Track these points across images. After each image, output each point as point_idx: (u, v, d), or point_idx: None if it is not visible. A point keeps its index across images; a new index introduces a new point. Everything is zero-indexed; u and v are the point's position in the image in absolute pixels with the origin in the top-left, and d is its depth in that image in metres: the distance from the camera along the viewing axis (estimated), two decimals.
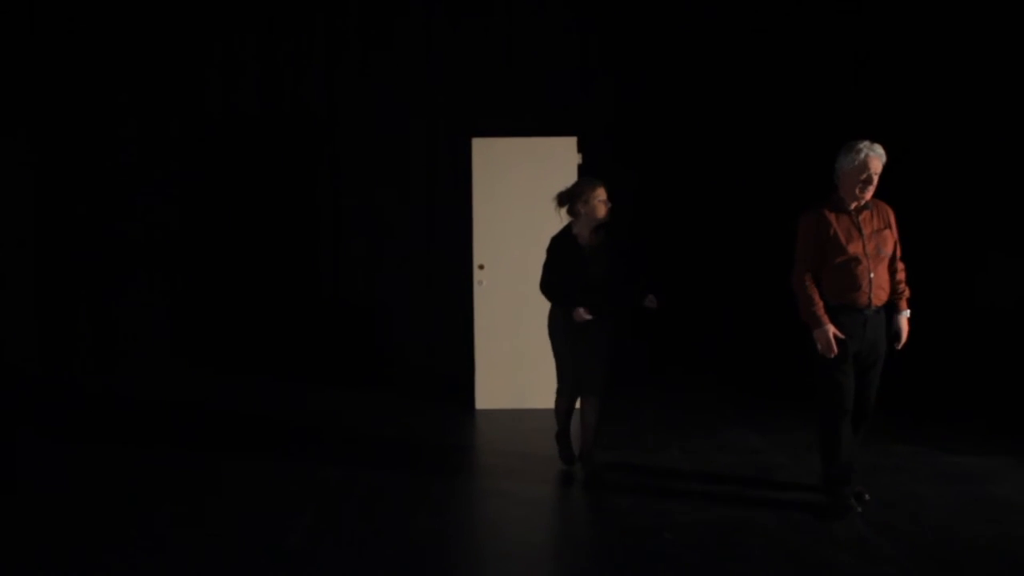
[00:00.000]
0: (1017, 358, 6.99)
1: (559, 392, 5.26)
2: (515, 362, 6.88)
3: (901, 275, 4.61)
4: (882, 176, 4.47)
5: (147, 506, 4.70)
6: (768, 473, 5.20)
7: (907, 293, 4.62)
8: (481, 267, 6.91)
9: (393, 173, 8.25)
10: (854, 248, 4.40)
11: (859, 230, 4.43)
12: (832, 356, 4.37)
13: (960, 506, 4.58)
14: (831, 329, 4.38)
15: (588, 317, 4.91)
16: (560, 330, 5.09)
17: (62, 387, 7.74)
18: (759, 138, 7.98)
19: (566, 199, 5.13)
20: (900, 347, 4.61)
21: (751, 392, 7.33)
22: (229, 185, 8.35)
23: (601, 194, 5.03)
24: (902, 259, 4.61)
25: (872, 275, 4.40)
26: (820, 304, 4.42)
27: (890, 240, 4.50)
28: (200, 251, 8.41)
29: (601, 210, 5.03)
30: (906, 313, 4.60)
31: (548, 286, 5.12)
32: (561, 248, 5.10)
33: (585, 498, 4.87)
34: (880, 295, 4.45)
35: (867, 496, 4.63)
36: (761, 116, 7.99)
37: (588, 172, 6.73)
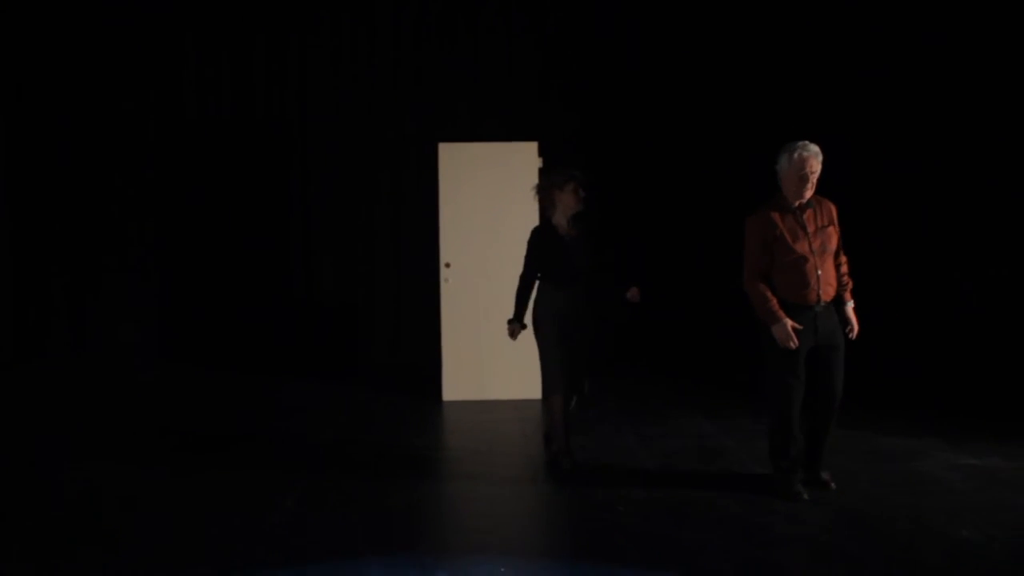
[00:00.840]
0: (953, 347, 7.50)
1: (551, 389, 5.20)
2: (480, 356, 7.22)
3: (845, 268, 4.79)
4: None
5: (127, 491, 4.99)
6: (716, 455, 5.60)
7: (851, 284, 4.82)
8: (447, 265, 7.25)
9: (364, 176, 8.61)
10: (800, 247, 4.57)
11: (804, 229, 4.59)
12: (793, 348, 4.52)
13: (887, 481, 4.99)
14: (788, 322, 4.53)
15: (513, 339, 5.21)
16: (549, 323, 5.15)
17: (35, 372, 8.02)
18: (708, 141, 8.42)
19: (544, 188, 5.27)
20: (854, 336, 4.77)
21: (702, 383, 7.77)
22: (204, 186, 8.66)
23: (575, 183, 5.18)
24: (844, 252, 4.81)
25: (820, 272, 4.58)
26: (774, 300, 4.58)
27: (834, 236, 4.67)
28: (174, 249, 8.70)
29: (575, 199, 5.18)
30: (851, 304, 4.80)
31: (521, 282, 5.23)
32: (542, 239, 5.22)
33: (546, 479, 5.22)
34: (828, 291, 4.62)
35: (833, 485, 4.81)
36: (712, 121, 8.43)
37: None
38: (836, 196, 4.89)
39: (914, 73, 7.68)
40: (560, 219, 5.24)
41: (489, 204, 7.18)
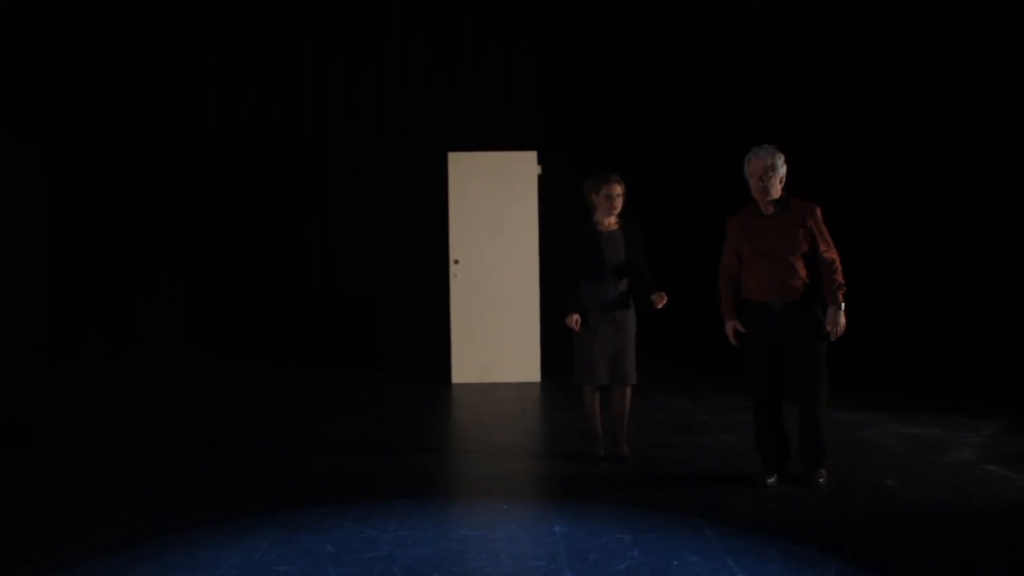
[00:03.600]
0: (904, 328, 8.26)
1: (587, 381, 5.34)
2: (485, 343, 8.03)
3: (829, 271, 4.65)
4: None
5: (191, 452, 5.84)
6: (691, 426, 6.41)
7: (839, 287, 4.63)
8: (456, 262, 8.06)
9: (381, 182, 9.44)
10: (759, 248, 4.68)
11: (767, 231, 4.68)
12: (737, 348, 4.86)
13: (834, 446, 5.66)
14: (731, 325, 4.86)
15: (575, 328, 5.21)
16: (591, 317, 5.26)
17: (74, 370, 8.81)
18: (690, 147, 9.21)
19: (584, 193, 5.41)
20: (833, 338, 4.70)
21: (684, 366, 8.62)
22: (230, 189, 9.46)
23: (612, 188, 5.29)
24: (836, 257, 4.68)
25: (777, 274, 4.64)
26: (727, 301, 4.86)
27: (802, 240, 4.62)
28: (204, 251, 9.49)
29: (610, 201, 5.30)
30: (835, 307, 4.63)
31: (561, 281, 5.36)
32: (578, 233, 5.37)
33: (541, 440, 6.04)
34: (791, 292, 4.65)
35: (821, 480, 4.87)
36: (695, 130, 9.22)
37: (546, 181, 7.99)
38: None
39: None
40: (600, 218, 5.38)
41: (493, 206, 8.00)
